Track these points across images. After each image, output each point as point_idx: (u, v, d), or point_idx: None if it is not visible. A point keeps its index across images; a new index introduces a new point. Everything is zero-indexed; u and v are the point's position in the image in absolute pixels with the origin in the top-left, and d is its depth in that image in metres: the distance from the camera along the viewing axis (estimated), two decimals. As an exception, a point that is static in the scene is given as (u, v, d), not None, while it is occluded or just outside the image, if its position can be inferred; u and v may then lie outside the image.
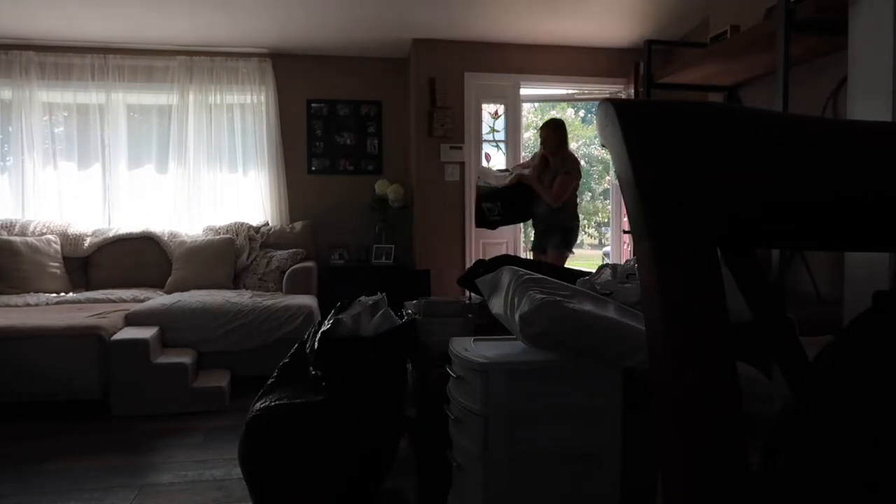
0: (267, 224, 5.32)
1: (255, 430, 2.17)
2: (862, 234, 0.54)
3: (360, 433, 2.15)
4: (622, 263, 2.45)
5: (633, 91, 4.98)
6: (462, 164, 5.26)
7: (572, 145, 17.41)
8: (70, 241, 4.87)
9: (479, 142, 5.35)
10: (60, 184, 5.21)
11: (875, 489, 0.52)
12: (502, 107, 5.42)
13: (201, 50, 5.32)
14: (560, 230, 4.21)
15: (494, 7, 4.55)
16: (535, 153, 4.42)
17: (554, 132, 4.24)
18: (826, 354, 0.58)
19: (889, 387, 0.53)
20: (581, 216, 4.53)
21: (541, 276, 1.92)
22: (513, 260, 2.68)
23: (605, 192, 14.77)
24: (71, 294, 4.51)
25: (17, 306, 4.11)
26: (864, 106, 1.97)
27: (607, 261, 7.87)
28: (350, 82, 5.62)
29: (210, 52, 5.35)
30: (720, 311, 0.47)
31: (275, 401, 2.19)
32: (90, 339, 3.48)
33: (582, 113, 15.29)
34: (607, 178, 14.09)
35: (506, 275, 1.99)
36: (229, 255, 4.86)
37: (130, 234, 5.00)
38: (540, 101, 10.00)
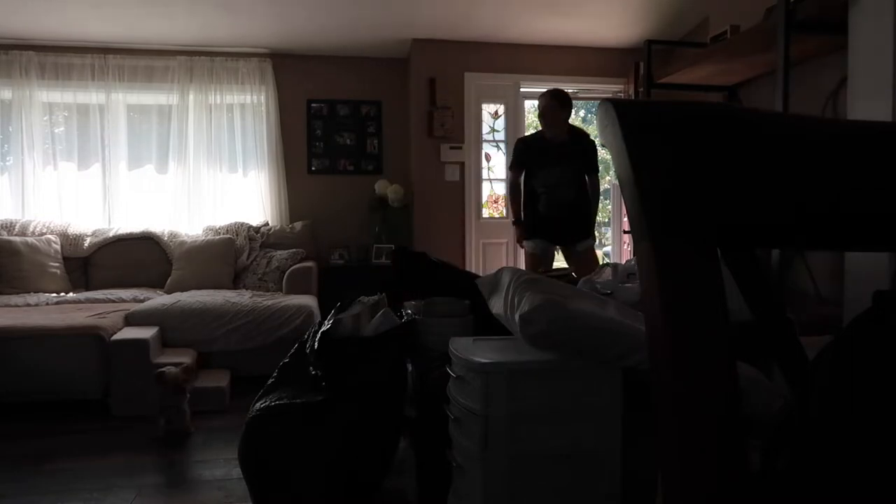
0: (267, 224, 5.32)
1: (255, 429, 2.17)
2: (862, 234, 0.54)
3: (359, 433, 2.15)
4: (622, 263, 2.45)
5: (633, 91, 4.99)
6: (462, 164, 5.26)
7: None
8: (70, 241, 4.87)
9: (479, 142, 5.35)
10: (60, 184, 5.21)
11: (875, 489, 0.52)
12: (502, 107, 5.42)
13: (201, 50, 5.32)
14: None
15: (494, 7, 4.55)
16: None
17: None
18: (826, 354, 0.58)
19: (889, 386, 0.53)
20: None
21: (541, 276, 1.92)
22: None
23: (605, 192, 14.75)
24: (71, 294, 4.51)
25: (17, 306, 4.11)
26: (864, 106, 1.97)
27: (607, 261, 7.87)
28: (350, 82, 5.62)
29: (210, 52, 5.35)
30: (720, 311, 0.47)
31: (275, 401, 2.19)
32: (90, 339, 3.48)
33: (582, 113, 15.28)
34: (607, 178, 14.07)
35: (506, 275, 1.99)
36: (229, 255, 4.86)
37: (130, 234, 4.99)
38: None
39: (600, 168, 4.26)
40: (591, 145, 4.07)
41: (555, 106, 3.86)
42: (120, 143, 5.29)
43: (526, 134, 4.65)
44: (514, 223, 4.19)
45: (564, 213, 3.94)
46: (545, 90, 3.97)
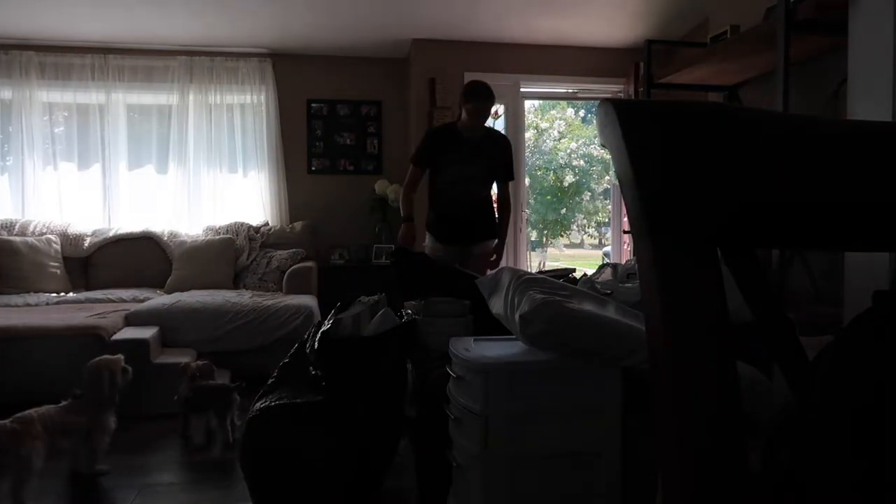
0: (267, 224, 5.32)
1: (255, 429, 2.17)
2: (862, 234, 0.54)
3: (359, 433, 2.15)
4: (622, 263, 2.45)
5: (633, 91, 4.99)
6: (462, 164, 5.25)
7: (572, 145, 17.31)
8: (70, 241, 4.87)
9: (479, 142, 5.34)
10: (60, 184, 5.22)
11: (875, 490, 0.52)
12: (502, 107, 5.42)
13: (201, 50, 5.32)
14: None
15: (494, 7, 4.55)
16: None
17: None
18: (826, 354, 0.58)
19: (889, 387, 0.53)
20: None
21: (541, 276, 1.92)
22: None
23: (606, 192, 14.78)
24: (71, 294, 4.52)
25: (17, 306, 4.11)
26: (864, 106, 1.97)
27: (607, 261, 7.88)
28: (350, 82, 5.62)
29: (210, 52, 5.35)
30: (720, 311, 0.47)
31: (275, 400, 2.19)
32: (90, 339, 3.48)
33: (582, 113, 15.30)
34: (607, 178, 14.09)
35: (506, 275, 1.99)
36: (229, 255, 4.86)
37: (130, 234, 5.00)
38: (540, 98, 10.01)
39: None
40: (509, 149, 3.69)
41: (490, 107, 3.44)
42: (120, 143, 5.29)
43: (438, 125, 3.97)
44: (404, 221, 3.59)
45: (467, 212, 3.53)
46: (476, 84, 3.44)
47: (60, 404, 2.49)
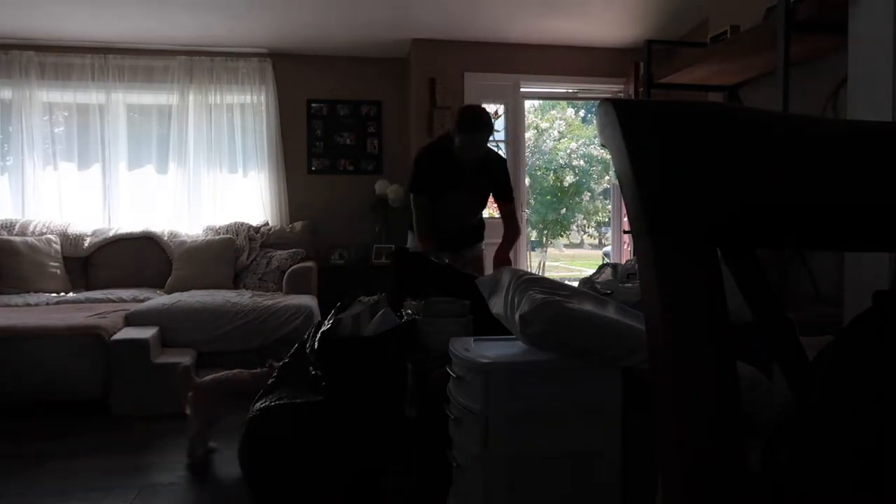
0: (267, 224, 5.32)
1: (255, 429, 2.18)
2: (862, 234, 0.54)
3: (359, 433, 2.15)
4: (622, 263, 2.45)
5: (633, 91, 4.99)
6: (462, 164, 5.25)
7: (572, 145, 17.23)
8: (70, 241, 4.87)
9: (479, 142, 5.34)
10: (60, 184, 5.22)
11: (876, 490, 0.52)
12: (502, 107, 5.42)
13: (201, 50, 5.32)
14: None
15: (494, 7, 4.55)
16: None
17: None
18: (826, 354, 0.58)
19: (889, 387, 0.53)
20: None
21: (541, 276, 1.92)
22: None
23: (605, 192, 14.78)
24: (71, 294, 4.52)
25: (17, 306, 4.12)
26: (864, 106, 1.97)
27: (607, 261, 7.89)
28: (350, 82, 5.62)
29: (210, 52, 5.35)
30: (720, 311, 0.47)
31: (275, 401, 2.20)
32: (90, 339, 3.49)
33: (582, 113, 15.30)
34: (607, 178, 14.09)
35: (506, 275, 2.00)
36: (229, 255, 4.86)
37: (130, 234, 5.00)
38: (540, 98, 10.02)
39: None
40: (506, 171, 3.40)
41: (488, 137, 3.09)
42: (120, 143, 5.29)
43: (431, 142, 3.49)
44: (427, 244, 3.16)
45: (457, 232, 3.33)
46: (471, 113, 3.07)
47: (255, 370, 2.71)
